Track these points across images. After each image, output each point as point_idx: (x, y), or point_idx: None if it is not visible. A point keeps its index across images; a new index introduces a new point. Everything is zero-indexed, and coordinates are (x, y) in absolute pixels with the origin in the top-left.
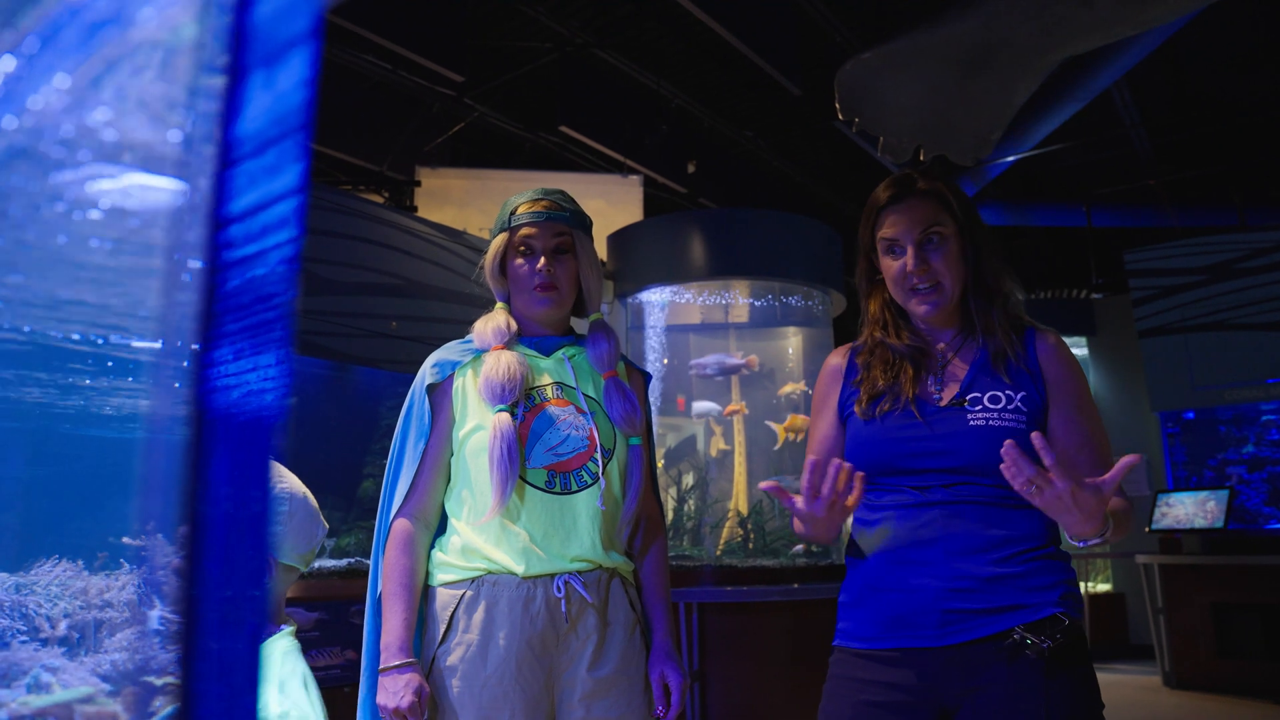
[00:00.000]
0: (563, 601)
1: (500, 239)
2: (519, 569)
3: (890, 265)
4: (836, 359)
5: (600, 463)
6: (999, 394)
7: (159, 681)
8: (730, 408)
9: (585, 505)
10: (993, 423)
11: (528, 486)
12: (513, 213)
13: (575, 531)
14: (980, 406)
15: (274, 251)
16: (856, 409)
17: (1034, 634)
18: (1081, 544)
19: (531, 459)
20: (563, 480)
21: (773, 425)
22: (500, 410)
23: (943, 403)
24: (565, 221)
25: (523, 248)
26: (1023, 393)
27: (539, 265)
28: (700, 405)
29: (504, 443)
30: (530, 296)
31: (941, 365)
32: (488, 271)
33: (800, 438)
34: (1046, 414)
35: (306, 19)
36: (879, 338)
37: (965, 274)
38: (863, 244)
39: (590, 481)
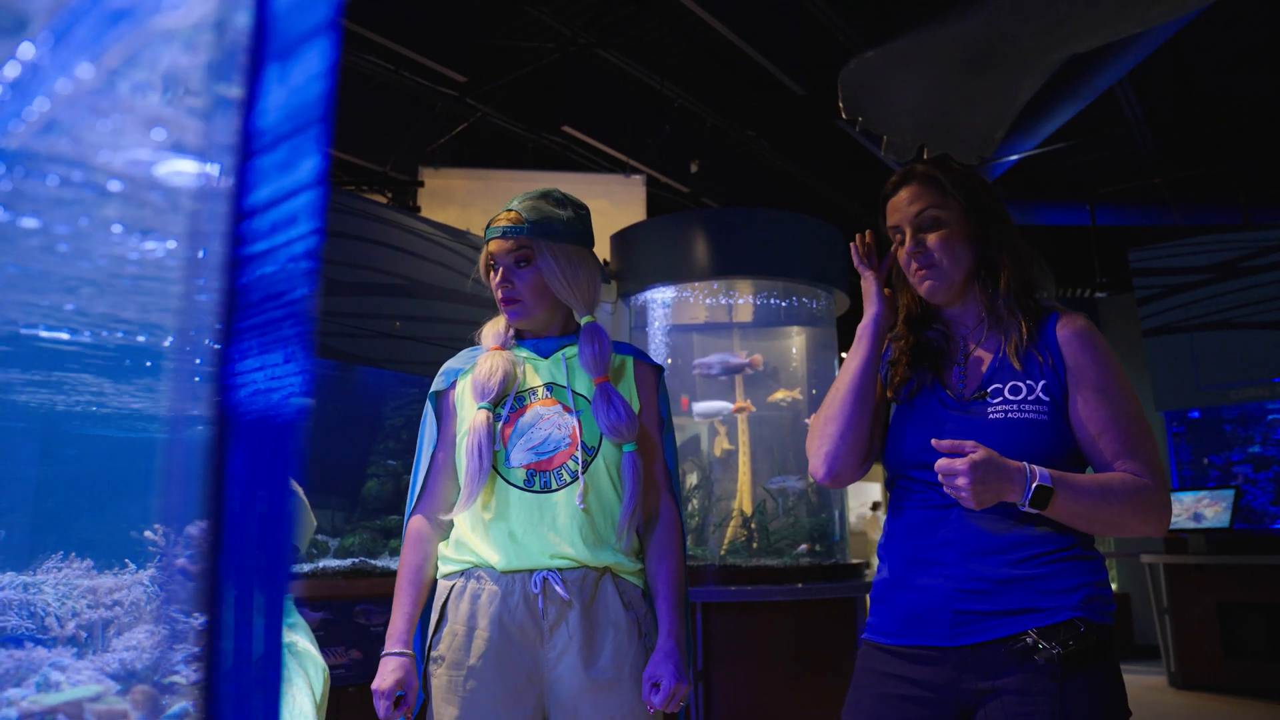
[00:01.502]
0: (540, 598)
1: (483, 251)
2: (497, 563)
3: (900, 255)
4: None
5: (581, 460)
6: (1019, 384)
7: (168, 680)
8: (739, 404)
9: (565, 503)
10: (1011, 415)
11: (508, 485)
12: (488, 226)
13: (555, 529)
14: (1000, 399)
15: (292, 246)
16: (888, 394)
17: (1046, 639)
18: (1025, 499)
19: (511, 458)
20: (542, 479)
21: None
22: (480, 408)
23: (966, 396)
24: (523, 234)
25: (490, 261)
26: (1043, 381)
27: (497, 280)
28: (708, 405)
29: (475, 437)
30: (501, 308)
31: (965, 355)
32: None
33: None
34: (1068, 401)
35: (324, 11)
36: (904, 330)
37: (970, 255)
38: (887, 231)
39: (570, 480)
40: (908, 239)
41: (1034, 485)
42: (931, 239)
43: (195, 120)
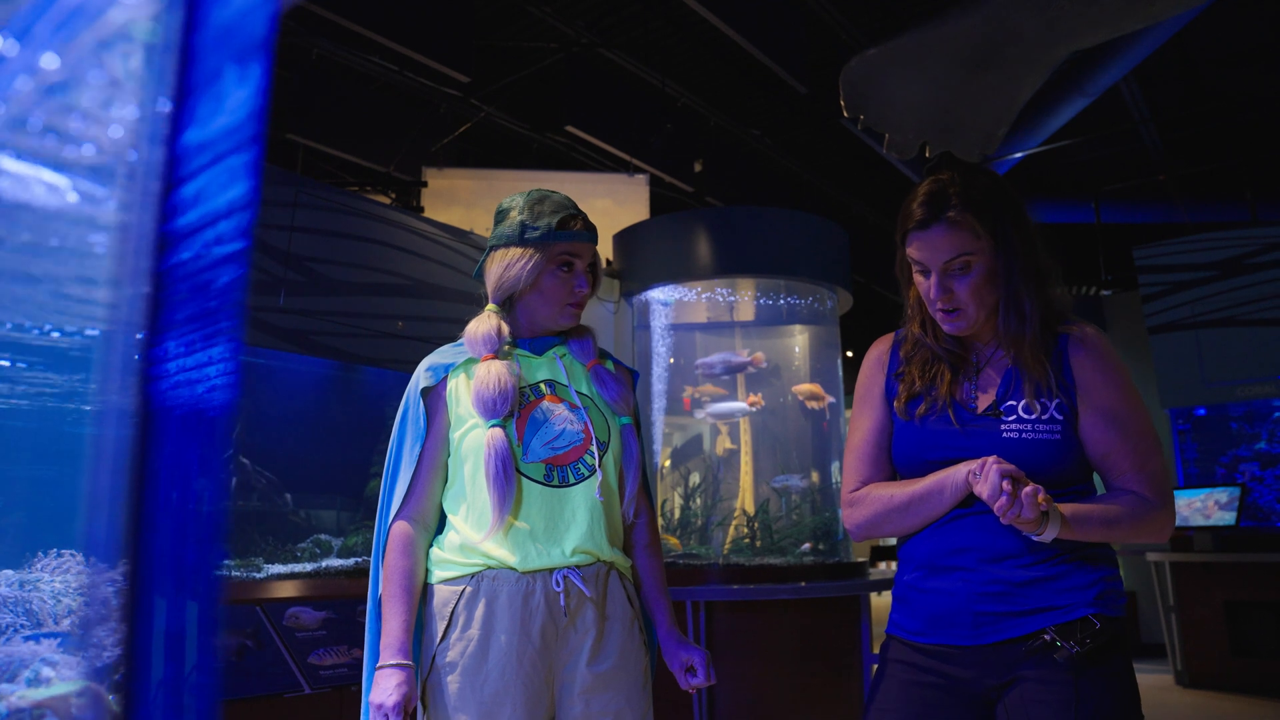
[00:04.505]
0: (561, 595)
1: (539, 250)
2: (515, 563)
3: (920, 282)
4: (879, 349)
5: (596, 455)
6: (1033, 403)
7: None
8: (751, 399)
9: (583, 497)
10: (1026, 436)
11: (527, 480)
12: (560, 224)
13: (574, 524)
14: (1014, 417)
15: (221, 245)
16: (896, 406)
17: (1064, 637)
18: (1034, 537)
19: (529, 453)
20: (560, 473)
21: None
22: (494, 425)
23: (979, 410)
24: (595, 242)
25: (565, 263)
26: (1057, 400)
27: (579, 285)
28: (724, 405)
29: (499, 460)
30: (560, 310)
31: (978, 369)
32: (512, 275)
33: (814, 405)
34: (1077, 417)
35: (260, 23)
36: (918, 335)
37: (995, 296)
38: (898, 241)
39: (587, 474)
40: (934, 285)
41: (1035, 539)
42: (961, 288)
43: (131, 123)
